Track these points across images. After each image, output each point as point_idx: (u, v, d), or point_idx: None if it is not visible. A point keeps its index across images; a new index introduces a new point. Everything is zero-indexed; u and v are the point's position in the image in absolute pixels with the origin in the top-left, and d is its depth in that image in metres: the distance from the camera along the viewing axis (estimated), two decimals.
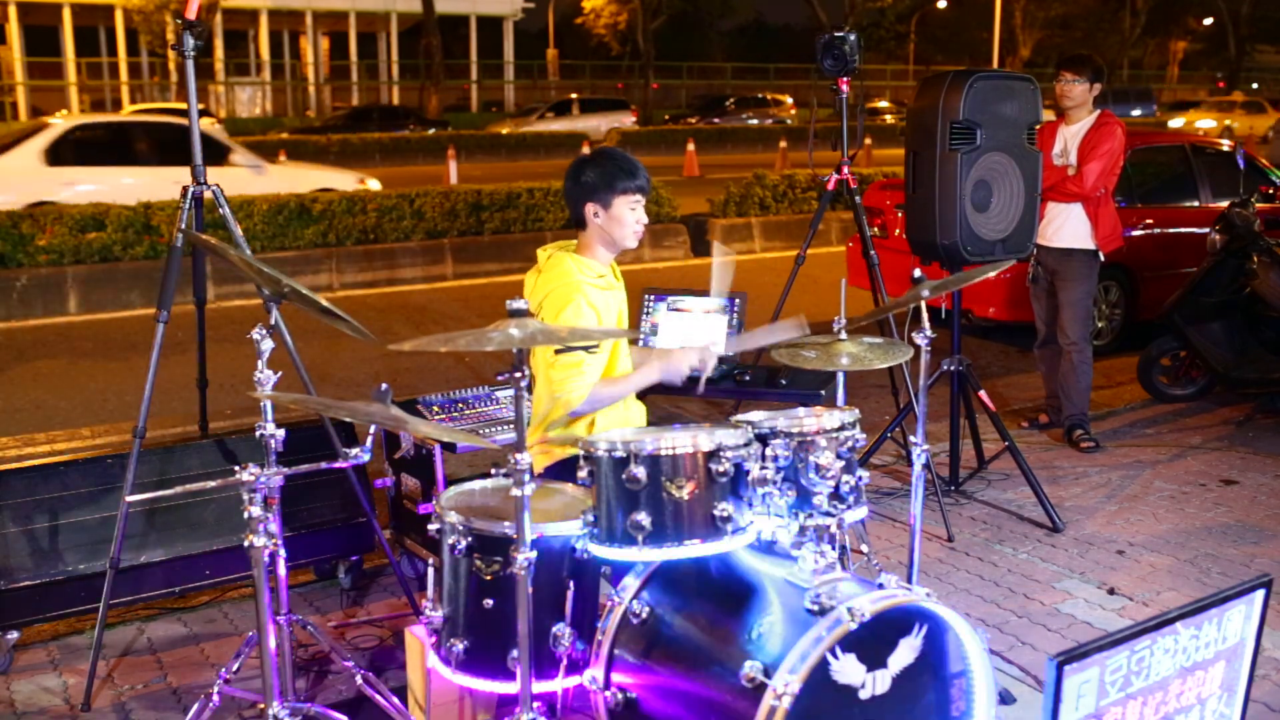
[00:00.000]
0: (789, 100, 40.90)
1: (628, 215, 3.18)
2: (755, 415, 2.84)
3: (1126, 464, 5.28)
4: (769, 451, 2.65)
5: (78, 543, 3.45)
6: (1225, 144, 8.29)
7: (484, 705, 2.90)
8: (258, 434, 2.64)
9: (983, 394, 4.70)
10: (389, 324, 8.70)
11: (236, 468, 2.46)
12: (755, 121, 37.24)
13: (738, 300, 3.95)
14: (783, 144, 24.13)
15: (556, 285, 3.15)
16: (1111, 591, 3.92)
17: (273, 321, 2.74)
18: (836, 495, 2.69)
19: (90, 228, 9.54)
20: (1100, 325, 7.51)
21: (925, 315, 3.09)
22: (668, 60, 49.02)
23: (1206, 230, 6.23)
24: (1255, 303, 5.94)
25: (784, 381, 3.95)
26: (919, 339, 3.11)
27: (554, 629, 2.59)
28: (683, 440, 2.49)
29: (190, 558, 3.60)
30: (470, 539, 2.59)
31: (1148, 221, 7.60)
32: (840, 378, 3.38)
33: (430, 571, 2.64)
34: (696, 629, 2.54)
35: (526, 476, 2.33)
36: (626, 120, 34.01)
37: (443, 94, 37.25)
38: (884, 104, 41.06)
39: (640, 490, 2.47)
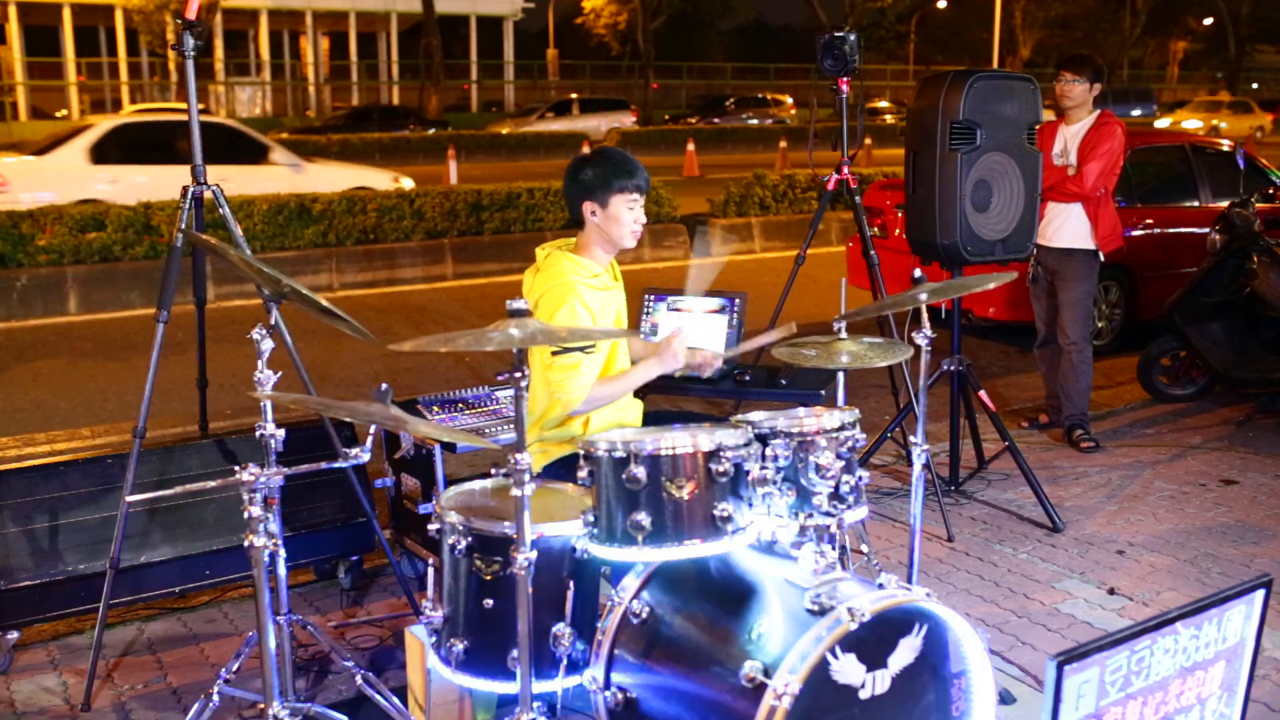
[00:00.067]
0: (789, 100, 40.91)
1: (625, 214, 3.19)
2: (755, 415, 2.84)
3: (1126, 464, 5.28)
4: (769, 451, 2.66)
5: (78, 543, 3.45)
6: (1225, 144, 8.28)
7: (484, 705, 2.90)
8: (258, 434, 2.64)
9: (983, 394, 4.70)
10: (389, 324, 8.70)
11: (236, 468, 2.45)
12: (755, 121, 37.24)
13: (737, 300, 3.95)
14: (783, 144, 24.13)
15: (551, 286, 3.15)
16: (1111, 591, 3.92)
17: (273, 321, 2.74)
18: (836, 495, 2.69)
19: (90, 228, 9.54)
20: (1100, 325, 7.51)
21: (925, 315, 3.09)
22: (668, 60, 49.01)
23: (1206, 230, 6.23)
24: (1255, 303, 5.94)
25: (784, 381, 3.95)
26: (919, 339, 3.10)
27: (554, 629, 2.59)
28: (683, 440, 2.50)
29: (190, 558, 3.60)
30: (470, 539, 2.59)
31: (1148, 221, 7.60)
32: (840, 377, 3.38)
33: (430, 571, 2.64)
34: (696, 629, 2.54)
35: (526, 476, 2.33)
36: (626, 120, 34.02)
37: (443, 94, 37.24)
38: (884, 104, 41.06)
39: (640, 490, 2.47)
